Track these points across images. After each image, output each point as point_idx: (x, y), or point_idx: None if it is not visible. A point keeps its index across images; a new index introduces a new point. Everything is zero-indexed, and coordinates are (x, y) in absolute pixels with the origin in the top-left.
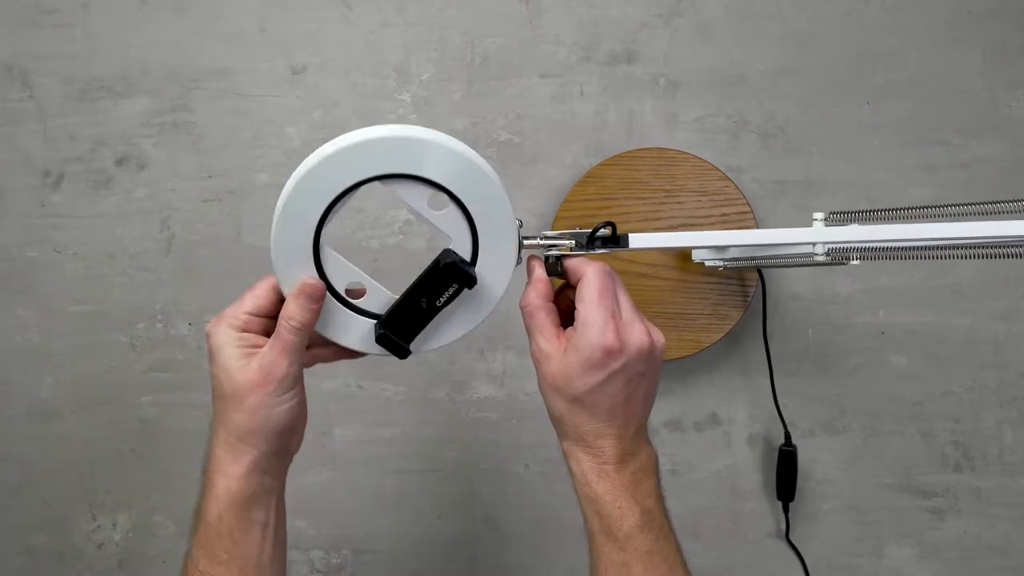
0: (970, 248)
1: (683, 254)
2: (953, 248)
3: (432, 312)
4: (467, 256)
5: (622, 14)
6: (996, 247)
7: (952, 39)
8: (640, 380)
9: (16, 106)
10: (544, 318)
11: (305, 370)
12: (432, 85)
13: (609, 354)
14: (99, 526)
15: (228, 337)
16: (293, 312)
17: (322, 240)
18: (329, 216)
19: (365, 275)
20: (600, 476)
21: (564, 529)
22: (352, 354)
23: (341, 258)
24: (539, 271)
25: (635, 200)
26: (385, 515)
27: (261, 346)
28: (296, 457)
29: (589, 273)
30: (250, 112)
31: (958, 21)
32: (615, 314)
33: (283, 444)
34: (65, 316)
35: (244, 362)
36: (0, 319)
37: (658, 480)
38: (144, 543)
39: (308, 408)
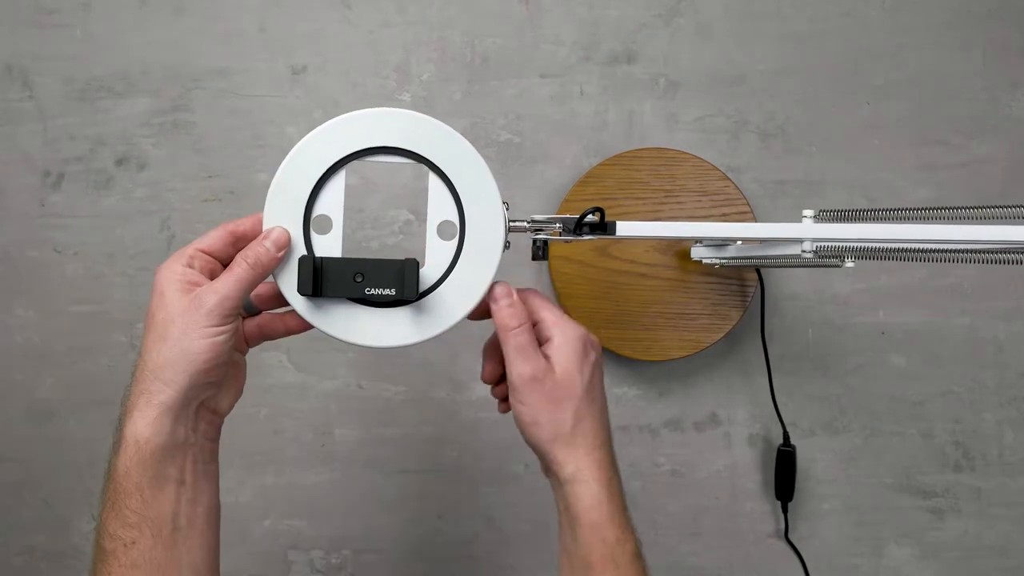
0: (963, 252)
1: (682, 253)
2: (946, 251)
3: (358, 293)
4: (454, 237)
5: (622, 14)
6: (989, 252)
7: (952, 39)
8: (601, 369)
9: (16, 106)
10: (530, 337)
11: (303, 371)
12: (432, 85)
13: (587, 341)
14: None
15: (172, 271)
16: (250, 252)
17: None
18: (329, 178)
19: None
20: (608, 498)
21: None
22: (297, 325)
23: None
24: (509, 291)
25: (635, 200)
26: (385, 515)
27: (201, 284)
28: (296, 456)
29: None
30: (250, 112)
31: (958, 21)
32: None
33: (202, 387)
34: (65, 316)
35: (180, 294)
36: (0, 319)
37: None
38: None
39: (309, 407)
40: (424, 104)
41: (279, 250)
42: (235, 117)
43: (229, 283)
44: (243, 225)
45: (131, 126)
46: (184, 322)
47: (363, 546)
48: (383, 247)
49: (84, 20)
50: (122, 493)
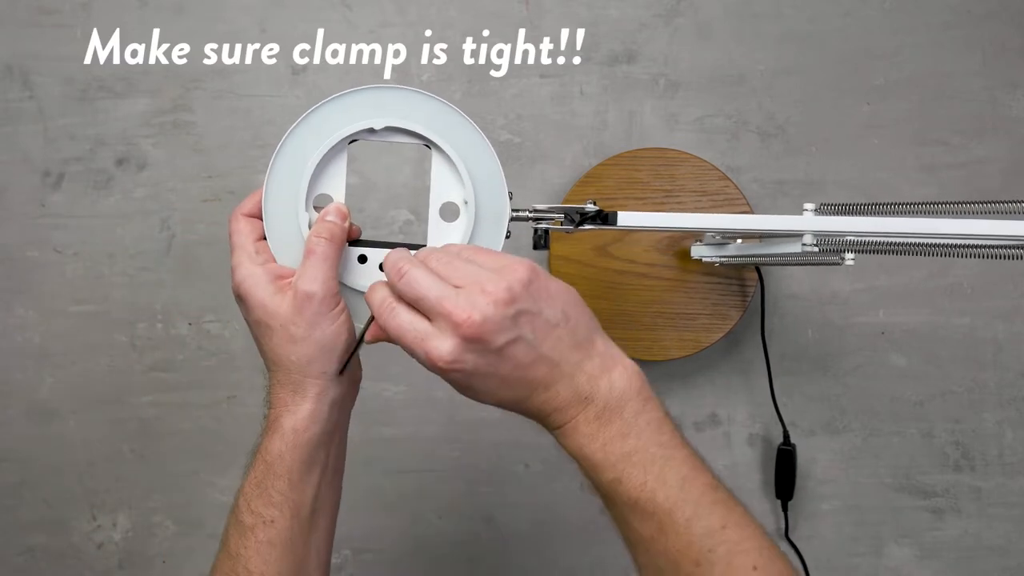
0: (964, 246)
1: (682, 253)
2: (947, 246)
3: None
4: (457, 218)
5: (622, 14)
6: (990, 247)
7: (952, 39)
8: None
9: (16, 106)
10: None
11: None
12: (432, 85)
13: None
14: (99, 526)
15: (254, 276)
16: (321, 228)
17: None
18: (330, 160)
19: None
20: (568, 435)
21: (564, 529)
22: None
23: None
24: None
25: (635, 200)
26: (385, 515)
27: (288, 275)
28: None
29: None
30: (250, 112)
31: (958, 21)
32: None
33: (344, 367)
34: (65, 316)
35: (279, 295)
36: (0, 319)
37: (642, 402)
38: (144, 543)
39: None
40: None
41: (344, 219)
42: (235, 117)
43: (320, 266)
44: (250, 207)
45: (131, 126)
46: (305, 319)
47: (363, 546)
48: None
49: (84, 20)
50: (272, 475)
